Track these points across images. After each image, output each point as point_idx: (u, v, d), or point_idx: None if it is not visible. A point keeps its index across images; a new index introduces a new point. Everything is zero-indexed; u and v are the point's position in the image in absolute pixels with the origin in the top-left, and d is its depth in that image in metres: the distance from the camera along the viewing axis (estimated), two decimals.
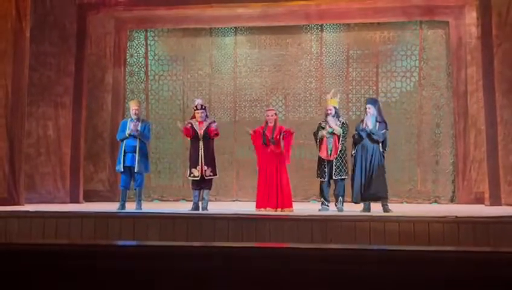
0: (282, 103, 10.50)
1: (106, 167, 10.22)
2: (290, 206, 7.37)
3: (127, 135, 7.55)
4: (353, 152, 7.34)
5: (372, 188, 7.14)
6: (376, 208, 7.25)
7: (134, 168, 7.52)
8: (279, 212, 7.23)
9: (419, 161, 10.04)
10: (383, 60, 10.27)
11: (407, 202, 9.85)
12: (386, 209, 7.19)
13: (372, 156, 7.19)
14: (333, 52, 10.38)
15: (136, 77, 10.75)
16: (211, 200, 8.22)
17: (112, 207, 7.79)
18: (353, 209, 7.45)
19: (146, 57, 10.75)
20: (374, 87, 10.26)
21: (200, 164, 7.41)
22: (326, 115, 7.54)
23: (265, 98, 10.53)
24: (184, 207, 7.89)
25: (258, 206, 7.39)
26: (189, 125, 7.49)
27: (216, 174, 7.53)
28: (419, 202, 9.84)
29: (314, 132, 7.62)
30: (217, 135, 7.55)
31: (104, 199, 9.92)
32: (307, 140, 10.18)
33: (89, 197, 9.81)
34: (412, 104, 10.16)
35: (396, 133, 9.78)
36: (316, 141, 7.54)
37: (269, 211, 7.21)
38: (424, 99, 10.11)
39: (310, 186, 9.84)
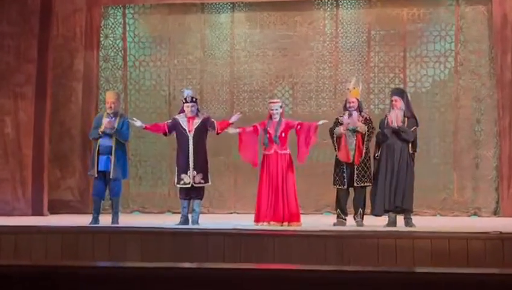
0: (289, 94, 10.49)
1: (76, 171, 10.21)
2: (298, 219, 7.36)
3: (101, 133, 7.54)
4: (377, 154, 7.32)
5: (398, 198, 7.12)
6: (403, 222, 7.24)
7: (109, 173, 7.51)
8: (285, 227, 7.23)
9: (455, 165, 10.02)
10: (411, 43, 10.25)
11: (441, 215, 9.83)
12: (408, 223, 7.19)
13: (399, 158, 7.18)
14: (351, 32, 10.36)
15: (112, 63, 10.73)
16: (203, 213, 8.20)
17: (82, 220, 7.77)
18: (375, 223, 7.42)
19: (124, 39, 10.73)
20: (401, 75, 10.24)
21: (189, 168, 7.40)
22: (346, 109, 7.51)
23: (269, 89, 10.51)
24: (171, 221, 7.89)
25: (257, 220, 7.38)
26: (170, 121, 7.50)
27: (208, 182, 7.53)
28: (455, 215, 9.83)
29: (331, 128, 7.60)
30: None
31: (73, 211, 9.90)
32: (320, 138, 10.12)
33: (55, 208, 9.79)
34: (446, 96, 10.14)
35: (428, 131, 9.76)
36: (333, 140, 7.52)
37: (273, 226, 7.21)
38: (462, 89, 10.09)
39: (323, 195, 9.79)
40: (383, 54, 10.30)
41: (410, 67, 10.22)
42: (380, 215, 7.24)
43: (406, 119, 7.30)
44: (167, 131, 7.62)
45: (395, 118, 7.21)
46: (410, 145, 7.26)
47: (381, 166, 7.22)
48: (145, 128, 7.78)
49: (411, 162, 7.25)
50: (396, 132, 7.20)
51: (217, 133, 7.64)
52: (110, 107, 7.67)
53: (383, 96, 10.20)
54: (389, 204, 7.15)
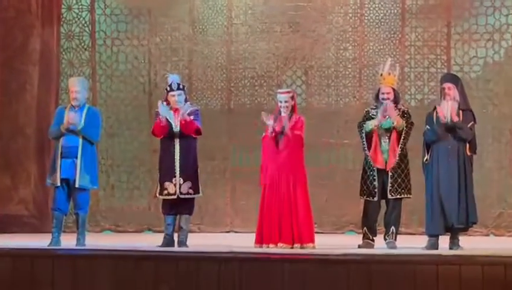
0: (302, 80, 10.47)
1: (31, 179, 10.20)
2: (311, 240, 7.34)
3: (63, 131, 7.54)
4: (426, 158, 7.31)
5: (463, 211, 7.11)
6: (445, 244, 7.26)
7: (74, 181, 7.51)
8: (296, 249, 7.21)
9: None
10: (457, 16, 10.23)
11: (495, 234, 9.83)
12: (454, 245, 7.21)
13: (457, 162, 7.17)
14: (381, 2, 10.35)
15: (77, 42, 10.72)
16: (192, 231, 8.15)
17: (40, 241, 7.76)
18: (410, 244, 7.42)
19: (92, 11, 10.73)
20: (444, 57, 10.22)
21: (175, 175, 7.40)
22: (379, 100, 7.49)
23: (276, 74, 10.49)
24: (151, 242, 7.88)
25: (259, 241, 7.36)
26: (164, 118, 7.44)
27: (198, 192, 7.51)
28: None
29: (360, 123, 7.57)
30: (198, 131, 7.52)
31: (28, 229, 9.91)
32: (340, 138, 10.16)
33: (5, 225, 9.77)
34: (502, 83, 10.12)
35: (478, 128, 9.56)
36: (362, 138, 7.51)
37: (282, 249, 7.20)
38: None
39: (345, 209, 9.79)
40: (421, 30, 10.28)
41: (455, 46, 10.21)
42: (439, 235, 7.24)
43: (461, 112, 7.26)
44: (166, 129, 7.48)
45: (450, 110, 7.17)
46: (467, 145, 7.25)
47: (433, 172, 7.21)
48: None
49: (470, 167, 7.24)
50: (451, 129, 7.17)
51: (189, 133, 7.47)
52: (75, 98, 7.64)
53: (421, 84, 10.20)
54: (449, 220, 7.14)
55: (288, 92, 7.74)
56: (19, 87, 10.31)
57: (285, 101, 7.48)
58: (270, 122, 7.35)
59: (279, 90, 8.05)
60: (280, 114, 7.48)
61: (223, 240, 8.68)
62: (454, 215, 7.14)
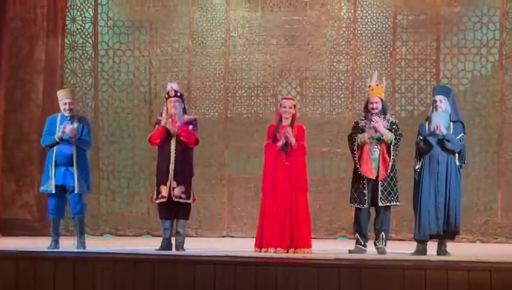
0: (297, 91, 10.48)
1: (34, 184, 10.18)
2: (308, 245, 7.35)
3: (57, 139, 7.51)
4: (417, 166, 7.33)
5: (450, 219, 7.18)
6: (433, 249, 7.27)
7: (69, 188, 7.53)
8: (291, 254, 7.21)
9: (500, 180, 10.00)
10: (446, 30, 10.25)
11: (481, 241, 9.84)
12: (442, 251, 7.25)
13: (446, 171, 7.22)
14: (373, 17, 10.37)
15: (80, 52, 10.74)
16: (189, 236, 8.14)
17: (42, 244, 7.76)
18: (400, 249, 7.44)
19: (95, 22, 10.74)
20: (433, 70, 10.23)
21: (169, 178, 7.37)
22: (368, 111, 7.50)
23: (272, 85, 10.51)
24: (150, 245, 7.88)
25: (258, 245, 7.37)
26: (160, 125, 7.42)
27: (189, 197, 7.47)
28: (499, 241, 9.81)
29: (350, 135, 7.57)
30: (196, 142, 7.51)
31: (31, 232, 9.88)
32: (333, 147, 10.17)
33: (9, 229, 9.77)
34: (489, 96, 10.13)
35: (466, 139, 9.72)
36: (353, 150, 7.51)
37: (278, 253, 7.20)
38: (508, 88, 10.08)
39: (338, 215, 9.80)
40: (411, 44, 10.30)
41: (444, 60, 10.23)
42: (425, 241, 7.28)
43: (452, 124, 7.30)
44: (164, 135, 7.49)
45: (438, 123, 7.19)
46: (457, 155, 7.28)
47: (423, 181, 7.25)
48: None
49: (459, 176, 7.30)
50: (440, 141, 7.22)
51: (188, 144, 7.47)
52: (70, 109, 7.61)
53: (411, 96, 10.21)
54: (436, 227, 7.19)
55: (293, 99, 7.76)
56: (24, 95, 10.31)
57: (289, 107, 7.48)
58: (292, 139, 7.34)
59: (284, 97, 8.03)
60: (281, 121, 7.47)
61: (219, 245, 8.68)
62: (440, 224, 7.19)
